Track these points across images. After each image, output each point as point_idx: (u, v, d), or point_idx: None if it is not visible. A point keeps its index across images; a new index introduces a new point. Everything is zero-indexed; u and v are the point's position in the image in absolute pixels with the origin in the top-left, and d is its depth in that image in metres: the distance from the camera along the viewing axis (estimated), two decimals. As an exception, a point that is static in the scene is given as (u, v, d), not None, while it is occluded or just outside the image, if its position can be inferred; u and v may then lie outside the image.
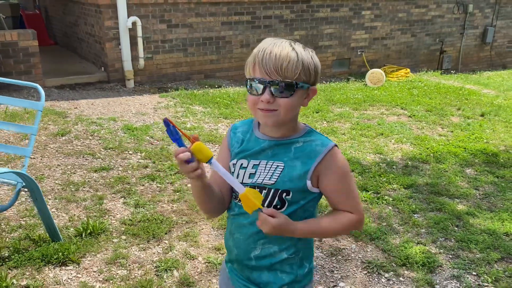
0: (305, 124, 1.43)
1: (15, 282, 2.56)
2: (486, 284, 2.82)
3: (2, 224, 3.15)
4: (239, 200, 1.30)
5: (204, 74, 7.82)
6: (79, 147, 4.59)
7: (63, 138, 4.79)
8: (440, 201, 3.81)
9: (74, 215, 3.33)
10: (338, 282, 2.79)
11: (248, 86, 1.31)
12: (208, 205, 1.42)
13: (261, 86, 1.27)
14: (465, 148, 5.07)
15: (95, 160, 4.29)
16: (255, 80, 1.28)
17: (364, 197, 3.82)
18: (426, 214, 3.62)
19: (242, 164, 1.41)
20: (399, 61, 9.68)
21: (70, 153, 4.40)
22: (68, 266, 2.76)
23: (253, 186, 1.37)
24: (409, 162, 4.64)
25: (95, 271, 2.74)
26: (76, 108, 5.91)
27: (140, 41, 6.98)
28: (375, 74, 8.13)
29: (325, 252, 3.08)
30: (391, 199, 3.83)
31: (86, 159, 4.31)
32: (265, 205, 1.35)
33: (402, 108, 6.66)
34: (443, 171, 4.46)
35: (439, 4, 9.92)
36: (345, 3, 8.73)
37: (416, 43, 9.92)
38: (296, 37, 8.26)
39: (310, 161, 1.34)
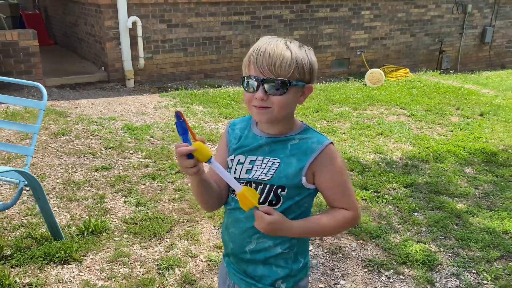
0: (302, 121, 1.45)
1: (17, 280, 2.58)
2: (486, 282, 2.84)
3: (4, 222, 3.16)
4: (236, 195, 1.32)
5: (204, 74, 7.84)
6: (79, 146, 4.60)
7: (64, 137, 4.80)
8: (439, 200, 3.83)
9: (76, 214, 3.35)
10: (339, 280, 2.81)
11: (244, 84, 1.34)
12: (205, 200, 1.45)
13: (256, 84, 1.30)
14: (464, 148, 5.09)
15: (96, 159, 4.30)
16: (250, 77, 1.32)
17: (364, 196, 3.83)
18: (426, 212, 3.64)
19: (239, 159, 1.44)
20: (398, 61, 9.70)
21: (71, 153, 4.42)
22: (70, 264, 2.77)
23: (249, 181, 1.40)
24: (409, 161, 4.66)
25: (97, 269, 2.75)
26: (77, 107, 5.92)
27: (140, 41, 7.00)
28: (374, 74, 8.15)
29: (325, 251, 3.09)
30: (391, 198, 3.85)
31: (87, 158, 4.32)
32: (261, 200, 1.37)
33: (401, 108, 6.68)
34: (443, 170, 4.48)
35: (438, 4, 9.94)
36: (344, 3, 8.75)
37: (415, 43, 9.95)
38: (295, 37, 8.27)
39: (305, 158, 1.36)
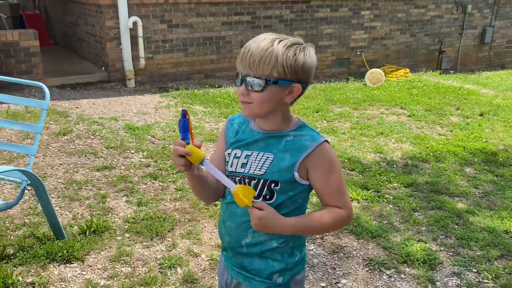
0: (298, 119, 1.48)
1: (20, 279, 2.59)
2: (487, 281, 2.86)
3: (7, 222, 3.17)
4: None
5: (204, 74, 7.85)
6: (81, 146, 4.61)
7: (65, 137, 4.81)
8: (440, 200, 3.84)
9: (78, 213, 3.36)
10: (340, 279, 2.82)
11: (236, 79, 1.40)
12: (202, 194, 1.51)
13: (240, 80, 1.36)
14: (464, 147, 5.11)
15: (97, 159, 4.31)
16: (237, 74, 1.37)
17: (365, 196, 3.85)
18: (427, 212, 3.65)
19: (236, 154, 1.47)
20: (398, 61, 9.71)
21: (72, 152, 4.43)
22: (73, 263, 2.78)
23: (244, 176, 1.43)
24: (409, 161, 4.67)
25: (99, 268, 2.76)
26: (77, 107, 5.93)
27: (140, 41, 7.01)
28: (374, 74, 8.17)
29: (327, 250, 3.11)
30: (391, 197, 3.86)
31: (88, 158, 4.33)
32: (256, 195, 1.39)
33: (401, 108, 6.70)
34: (443, 170, 4.50)
35: (438, 5, 9.96)
36: (344, 3, 8.77)
37: (415, 43, 9.96)
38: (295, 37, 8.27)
39: (298, 154, 1.39)
